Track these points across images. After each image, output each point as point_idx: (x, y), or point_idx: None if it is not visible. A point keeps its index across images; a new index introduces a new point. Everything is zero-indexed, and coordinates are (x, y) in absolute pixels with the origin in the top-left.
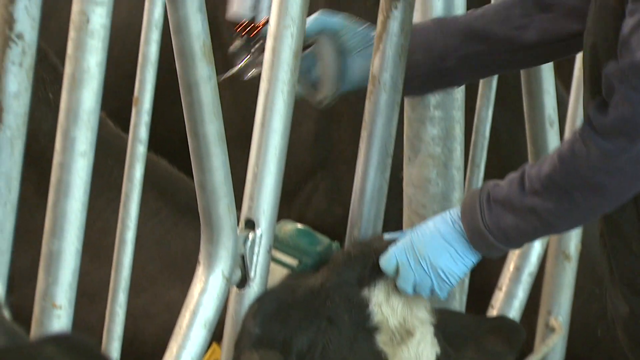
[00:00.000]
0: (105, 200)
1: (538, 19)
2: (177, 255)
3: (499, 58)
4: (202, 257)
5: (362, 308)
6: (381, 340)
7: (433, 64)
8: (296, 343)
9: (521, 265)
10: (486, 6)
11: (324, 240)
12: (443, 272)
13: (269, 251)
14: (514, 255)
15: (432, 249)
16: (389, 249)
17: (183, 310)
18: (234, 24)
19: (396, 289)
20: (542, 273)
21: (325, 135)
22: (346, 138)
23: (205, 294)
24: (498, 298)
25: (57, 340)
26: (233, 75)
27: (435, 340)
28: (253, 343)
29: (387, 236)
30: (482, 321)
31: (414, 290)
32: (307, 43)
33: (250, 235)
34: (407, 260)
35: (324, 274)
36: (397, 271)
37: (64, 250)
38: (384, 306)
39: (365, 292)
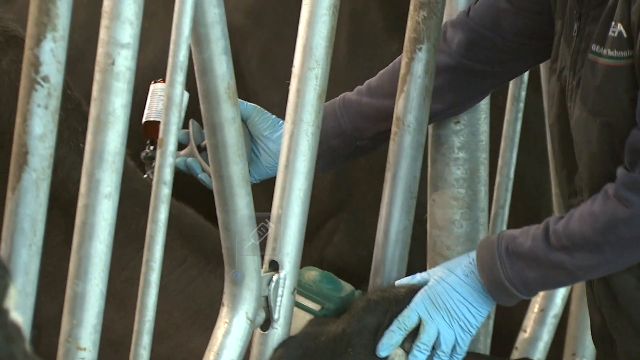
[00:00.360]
0: (132, 250)
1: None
2: (202, 304)
3: None
4: (225, 298)
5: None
6: None
7: (348, 145)
8: None
9: (546, 307)
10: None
11: (347, 286)
12: (465, 324)
13: (292, 293)
14: (538, 297)
15: (453, 302)
16: (410, 305)
17: (207, 352)
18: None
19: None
20: (566, 314)
21: (345, 175)
22: (366, 178)
23: (229, 336)
24: (522, 340)
25: None
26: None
27: None
28: None
29: (402, 281)
30: None
31: (437, 345)
32: None
33: (274, 277)
34: (430, 316)
35: (345, 320)
36: (419, 326)
37: (88, 292)
38: (403, 356)
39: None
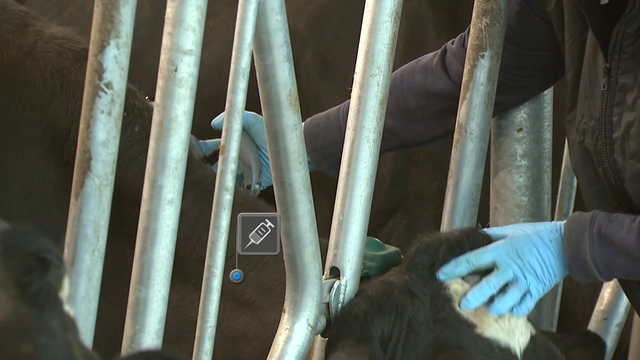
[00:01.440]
0: None
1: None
2: (273, 280)
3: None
4: (287, 304)
5: (439, 285)
6: (464, 311)
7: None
8: (380, 325)
9: (609, 315)
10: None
11: (391, 248)
12: (536, 283)
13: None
14: (601, 306)
15: (532, 258)
16: (488, 247)
17: (268, 358)
18: None
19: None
20: (630, 323)
21: (403, 175)
22: (423, 177)
23: (290, 342)
24: None
25: (148, 356)
26: None
27: (528, 322)
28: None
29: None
30: (567, 337)
31: (506, 289)
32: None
33: (335, 284)
34: (506, 262)
35: (402, 264)
36: (493, 267)
37: (151, 297)
38: (462, 284)
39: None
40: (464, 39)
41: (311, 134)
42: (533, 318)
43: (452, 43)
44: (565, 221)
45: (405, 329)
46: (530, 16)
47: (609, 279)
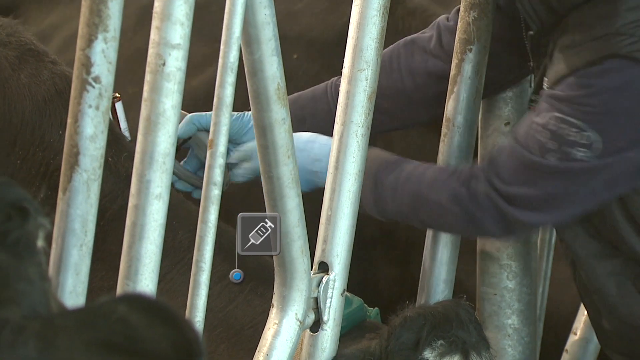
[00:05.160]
0: (170, 262)
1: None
2: (244, 323)
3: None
4: (275, 299)
5: None
6: None
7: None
8: None
9: None
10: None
11: (355, 300)
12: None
13: (342, 294)
14: None
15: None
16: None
17: (257, 353)
18: None
19: (452, 354)
20: None
21: None
22: None
23: (279, 337)
24: (573, 343)
25: (130, 299)
26: None
27: None
28: None
29: None
30: None
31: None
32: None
33: (324, 278)
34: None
35: (384, 338)
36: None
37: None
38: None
39: (425, 353)
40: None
41: (297, 117)
42: (519, 310)
43: (448, 19)
44: None
45: None
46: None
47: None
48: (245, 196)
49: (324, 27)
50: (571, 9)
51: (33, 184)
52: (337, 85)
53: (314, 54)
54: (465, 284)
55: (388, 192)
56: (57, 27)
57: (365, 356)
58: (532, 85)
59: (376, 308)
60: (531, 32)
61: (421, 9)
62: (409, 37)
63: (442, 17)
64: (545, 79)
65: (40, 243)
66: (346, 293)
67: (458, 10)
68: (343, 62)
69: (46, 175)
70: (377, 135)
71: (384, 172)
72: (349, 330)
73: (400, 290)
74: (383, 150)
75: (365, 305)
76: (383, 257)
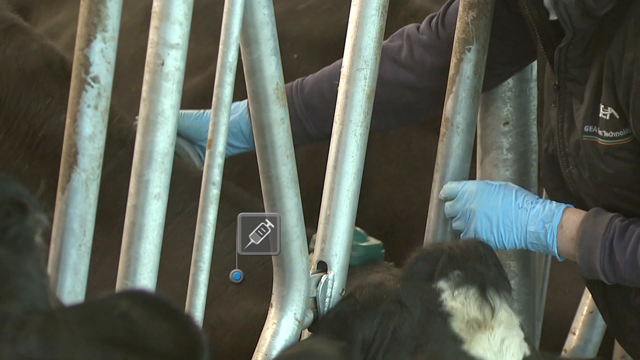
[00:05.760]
0: (171, 213)
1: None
2: (253, 263)
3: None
4: (274, 299)
5: (434, 296)
6: (456, 325)
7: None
8: (362, 329)
9: (595, 309)
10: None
11: (373, 240)
12: (476, 233)
13: (341, 294)
14: (587, 300)
15: (484, 213)
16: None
17: (255, 352)
18: None
19: (469, 286)
20: None
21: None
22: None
23: (277, 337)
24: (571, 342)
25: (131, 295)
26: None
27: (525, 344)
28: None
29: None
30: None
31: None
32: None
33: (323, 278)
34: (463, 199)
35: (400, 269)
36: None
37: None
38: (458, 297)
39: (439, 283)
40: (437, 25)
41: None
42: (518, 310)
43: (419, 30)
44: (565, 207)
45: (389, 338)
46: (502, 9)
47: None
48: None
49: (325, 27)
50: (606, 4)
51: (17, 156)
52: (302, 87)
53: (314, 54)
54: None
55: (626, 258)
56: (64, 26)
57: (376, 289)
58: (556, 103)
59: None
60: (561, 45)
61: (424, 10)
62: None
63: (411, 27)
64: (602, 106)
65: (38, 239)
66: (363, 232)
67: (430, 20)
68: None
69: (32, 145)
70: (375, 138)
71: (618, 239)
72: (366, 264)
73: None
74: (604, 212)
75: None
76: None
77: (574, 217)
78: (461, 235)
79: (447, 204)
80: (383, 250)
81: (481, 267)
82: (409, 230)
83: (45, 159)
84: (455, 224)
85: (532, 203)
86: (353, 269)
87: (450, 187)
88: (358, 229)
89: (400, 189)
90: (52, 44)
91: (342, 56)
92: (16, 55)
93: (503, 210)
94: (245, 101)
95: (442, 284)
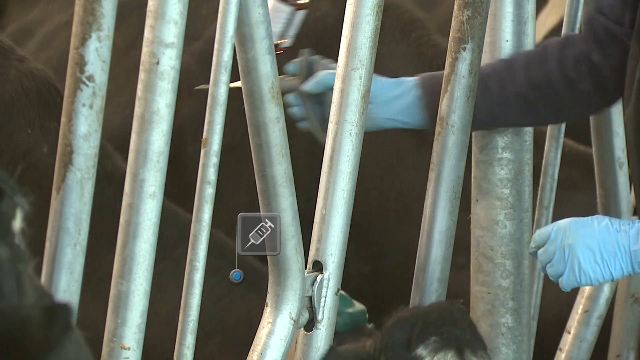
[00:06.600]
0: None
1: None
2: (239, 317)
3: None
4: (269, 298)
5: None
6: None
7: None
8: None
9: (590, 308)
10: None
11: (358, 305)
12: (580, 267)
13: (336, 293)
14: (582, 299)
15: (584, 244)
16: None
17: (251, 352)
18: None
19: (446, 350)
20: (610, 315)
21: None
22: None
23: (273, 336)
24: (566, 341)
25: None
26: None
27: None
28: None
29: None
30: None
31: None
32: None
33: (318, 278)
34: (557, 238)
35: (377, 337)
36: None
37: (133, 291)
38: None
39: (417, 350)
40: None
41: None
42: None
43: (601, 12)
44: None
45: None
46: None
47: None
48: None
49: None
50: None
51: None
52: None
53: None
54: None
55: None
56: (39, 22)
57: (359, 353)
58: None
59: (372, 323)
60: None
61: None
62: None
63: (593, 11)
64: None
65: (16, 224)
66: (348, 297)
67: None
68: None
69: (14, 173)
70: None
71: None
72: (349, 332)
73: (372, 286)
74: None
75: (366, 312)
76: (355, 254)
77: None
78: (563, 279)
79: (541, 251)
80: (372, 326)
81: (456, 330)
82: (383, 226)
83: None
84: (551, 270)
85: (629, 224)
86: (342, 335)
87: (540, 232)
88: (343, 292)
89: (374, 185)
90: (33, 67)
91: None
92: None
93: (602, 236)
94: (411, 85)
95: (420, 351)
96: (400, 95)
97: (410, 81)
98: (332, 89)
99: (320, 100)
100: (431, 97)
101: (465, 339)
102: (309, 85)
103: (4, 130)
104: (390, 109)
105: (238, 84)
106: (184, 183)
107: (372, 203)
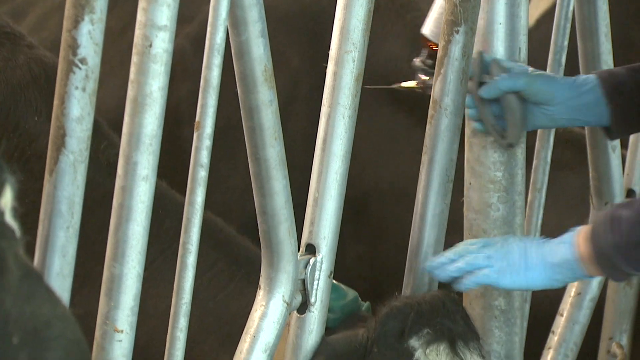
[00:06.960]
0: (156, 250)
1: None
2: (236, 312)
3: None
4: (262, 281)
5: (408, 356)
6: None
7: None
8: None
9: (583, 290)
10: None
11: (350, 293)
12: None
13: (329, 276)
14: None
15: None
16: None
17: (244, 334)
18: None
19: (439, 342)
20: (603, 298)
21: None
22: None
23: (266, 319)
24: (559, 324)
25: None
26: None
27: None
28: None
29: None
30: None
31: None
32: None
33: (311, 260)
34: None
35: (370, 326)
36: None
37: (125, 274)
38: (430, 354)
39: (410, 341)
40: None
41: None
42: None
43: None
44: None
45: None
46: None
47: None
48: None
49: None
50: None
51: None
52: None
53: (280, 29)
54: None
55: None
56: (31, 3)
57: (352, 343)
58: None
59: (367, 302)
60: None
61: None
62: None
63: None
64: None
65: (7, 201)
66: (342, 286)
67: None
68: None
69: (20, 161)
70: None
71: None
72: (342, 320)
73: (369, 269)
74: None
75: (360, 298)
76: (352, 235)
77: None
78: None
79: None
80: (367, 305)
81: (449, 322)
82: (379, 208)
83: (33, 177)
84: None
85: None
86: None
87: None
88: (335, 282)
89: (371, 167)
90: (41, 53)
91: (307, 32)
92: (4, 67)
93: (526, 247)
94: (592, 83)
95: (413, 342)
96: (581, 94)
97: (590, 80)
98: (508, 92)
99: (497, 102)
100: (613, 95)
101: (457, 330)
102: (484, 90)
103: (11, 116)
104: (571, 109)
105: (410, 83)
106: (180, 165)
107: (369, 185)
